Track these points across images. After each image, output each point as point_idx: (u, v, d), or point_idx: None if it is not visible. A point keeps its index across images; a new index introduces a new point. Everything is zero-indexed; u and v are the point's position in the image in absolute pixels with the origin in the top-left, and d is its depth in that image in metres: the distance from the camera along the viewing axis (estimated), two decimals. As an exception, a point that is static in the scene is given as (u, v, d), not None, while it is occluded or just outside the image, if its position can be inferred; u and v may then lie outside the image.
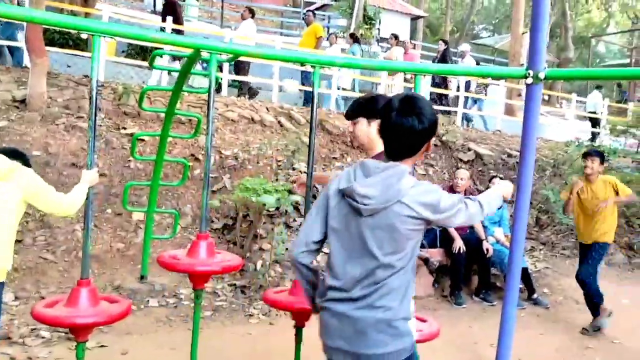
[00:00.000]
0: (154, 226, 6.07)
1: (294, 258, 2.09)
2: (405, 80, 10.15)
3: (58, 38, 8.80)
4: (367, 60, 6.29)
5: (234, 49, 3.32)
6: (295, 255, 2.08)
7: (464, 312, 5.69)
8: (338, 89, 10.29)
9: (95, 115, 2.73)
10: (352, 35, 11.51)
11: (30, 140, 6.16)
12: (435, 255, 5.93)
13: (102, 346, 4.12)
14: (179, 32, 8.92)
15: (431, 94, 11.05)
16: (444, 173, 8.69)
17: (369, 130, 2.69)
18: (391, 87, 10.20)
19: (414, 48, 12.87)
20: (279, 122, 8.19)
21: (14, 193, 2.89)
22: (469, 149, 9.17)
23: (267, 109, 8.47)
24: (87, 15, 9.28)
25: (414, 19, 22.05)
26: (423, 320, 3.28)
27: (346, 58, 5.00)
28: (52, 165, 6.08)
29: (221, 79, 8.95)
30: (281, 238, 5.83)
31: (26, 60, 7.34)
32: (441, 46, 11.62)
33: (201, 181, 6.86)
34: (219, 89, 9.24)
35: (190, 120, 7.39)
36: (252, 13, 9.90)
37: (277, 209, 6.26)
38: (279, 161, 7.30)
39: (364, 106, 2.74)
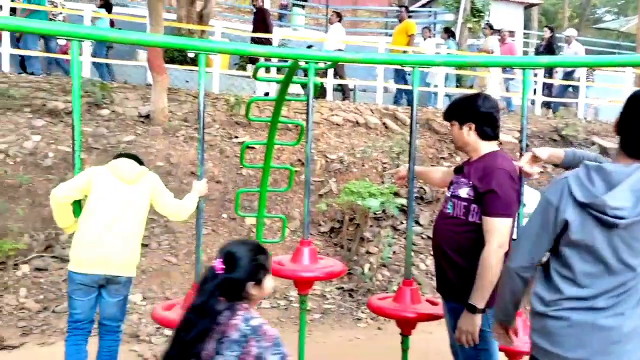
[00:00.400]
0: (265, 230, 6.33)
1: (515, 271, 1.98)
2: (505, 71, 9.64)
3: (177, 56, 9.46)
4: (468, 57, 6.04)
5: (331, 56, 3.36)
6: (516, 269, 1.97)
7: None
8: (435, 86, 10.01)
9: (203, 129, 2.90)
10: (447, 30, 11.05)
11: (155, 152, 6.69)
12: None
13: (218, 345, 4.35)
14: (267, 40, 9.16)
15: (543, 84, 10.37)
16: (563, 170, 8.10)
17: (460, 134, 2.62)
18: (485, 81, 9.66)
19: (512, 36, 12.07)
20: (383, 123, 8.16)
21: (143, 195, 3.17)
22: (593, 143, 8.48)
23: (371, 110, 8.46)
24: (202, 32, 9.89)
25: (528, 7, 20.81)
26: None
27: (444, 56, 4.85)
28: (173, 174, 6.54)
29: (325, 84, 9.09)
30: (388, 241, 5.79)
31: (149, 78, 7.96)
32: (546, 33, 10.80)
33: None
34: (323, 94, 9.40)
35: (297, 126, 7.59)
36: (339, 17, 9.97)
37: (384, 211, 6.23)
38: (385, 163, 7.26)
39: (456, 108, 2.67)
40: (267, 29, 9.34)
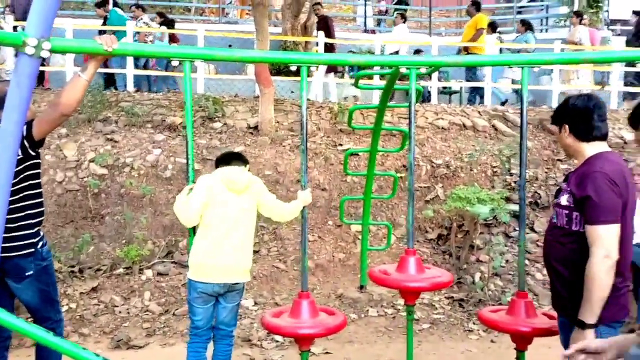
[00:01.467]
0: (370, 237, 6.31)
1: None
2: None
3: (283, 68, 9.78)
4: (585, 53, 5.58)
5: (431, 61, 3.27)
6: None
7: None
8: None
9: (307, 138, 2.95)
10: (524, 23, 10.23)
11: (263, 162, 6.94)
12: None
13: (327, 353, 4.40)
14: (331, 46, 8.99)
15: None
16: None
17: (560, 137, 2.53)
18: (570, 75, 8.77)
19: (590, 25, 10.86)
20: (492, 125, 7.81)
21: (253, 203, 3.31)
22: None
23: (479, 112, 8.14)
24: (306, 43, 10.13)
25: (654, -9, 18.95)
26: None
27: (556, 54, 4.53)
28: (281, 182, 6.74)
29: (429, 87, 8.90)
30: (499, 249, 5.52)
31: (257, 91, 8.27)
32: (633, 18, 9.67)
33: (415, 192, 6.89)
34: (429, 98, 9.21)
35: (401, 132, 7.50)
36: (403, 18, 9.74)
37: (495, 218, 5.96)
38: (494, 167, 6.94)
39: (555, 111, 2.58)
40: (330, 35, 9.29)
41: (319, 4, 9.92)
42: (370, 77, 8.58)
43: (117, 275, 5.51)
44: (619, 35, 13.56)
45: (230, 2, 15.10)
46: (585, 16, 10.05)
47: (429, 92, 9.32)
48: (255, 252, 5.99)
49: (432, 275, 3.00)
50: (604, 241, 2.23)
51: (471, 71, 9.28)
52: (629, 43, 9.44)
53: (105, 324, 4.83)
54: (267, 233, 6.29)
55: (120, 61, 8.75)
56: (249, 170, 3.41)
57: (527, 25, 10.15)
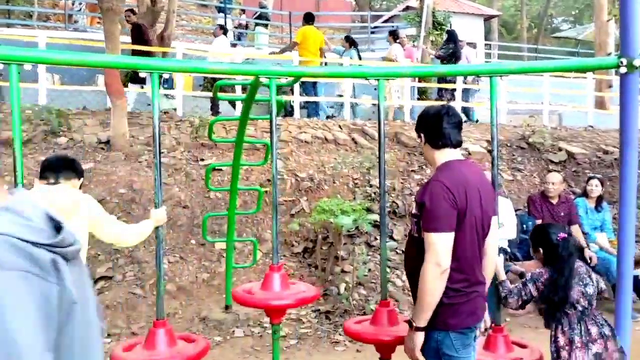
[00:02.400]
0: (236, 254, 6.11)
1: None
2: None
3: (137, 78, 9.23)
4: (435, 67, 5.99)
5: (293, 71, 3.22)
6: None
7: (569, 329, 5.18)
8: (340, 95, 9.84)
9: (159, 151, 2.72)
10: (348, 39, 10.61)
11: (116, 179, 6.42)
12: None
13: (190, 381, 4.10)
14: (144, 53, 8.31)
15: (439, 90, 10.28)
16: (534, 177, 8.13)
17: (422, 146, 2.60)
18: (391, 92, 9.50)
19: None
20: (352, 139, 8.06)
21: (82, 226, 2.86)
22: (560, 149, 8.54)
23: (339, 126, 8.36)
24: (163, 54, 9.69)
25: (487, 19, 21.27)
26: (523, 346, 2.97)
27: (412, 67, 4.77)
28: (137, 201, 6.28)
29: (292, 101, 8.96)
30: (362, 259, 5.64)
31: (109, 103, 7.70)
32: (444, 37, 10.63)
33: (279, 206, 6.83)
34: (291, 112, 9.28)
35: (264, 145, 7.42)
36: (222, 30, 9.80)
37: (357, 228, 6.09)
38: (355, 179, 7.14)
39: (417, 121, 2.63)
40: (146, 44, 8.70)
41: (130, 10, 9.39)
42: (232, 88, 8.40)
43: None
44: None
45: (80, 10, 14.03)
46: (402, 36, 10.73)
47: (291, 106, 9.39)
48: (108, 277, 5.52)
49: (297, 291, 2.90)
50: (435, 249, 2.27)
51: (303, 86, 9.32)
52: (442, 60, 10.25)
53: None
54: (122, 257, 5.80)
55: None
56: (82, 185, 3.02)
57: (351, 42, 10.48)
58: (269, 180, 6.95)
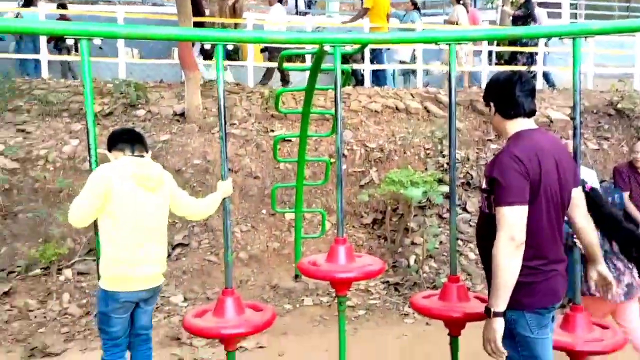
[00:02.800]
0: (305, 224, 6.17)
1: None
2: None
3: (212, 51, 9.39)
4: (509, 29, 5.59)
5: (357, 38, 3.11)
6: None
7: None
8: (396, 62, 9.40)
9: (225, 123, 2.74)
10: (412, 1, 10.08)
11: (191, 150, 6.61)
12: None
13: (260, 347, 4.23)
14: (200, 24, 8.12)
15: (512, 54, 9.55)
16: (622, 146, 7.57)
17: (491, 117, 2.40)
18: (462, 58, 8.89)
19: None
20: (425, 107, 7.81)
21: (166, 200, 2.97)
22: (652, 116, 7.88)
23: (412, 95, 8.12)
24: (235, 25, 9.76)
25: (574, -25, 19.72)
26: (604, 327, 2.79)
27: (483, 30, 4.50)
28: (210, 172, 6.46)
29: (362, 70, 8.80)
30: (433, 231, 5.52)
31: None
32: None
33: (349, 177, 6.79)
34: (362, 81, 9.11)
35: (332, 116, 7.36)
36: None
37: (429, 200, 5.95)
38: (427, 149, 6.95)
39: (484, 90, 2.45)
40: (199, 13, 8.42)
41: None
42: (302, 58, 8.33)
43: (33, 277, 5.10)
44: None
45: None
46: None
47: (362, 74, 9.22)
48: (184, 245, 5.75)
49: (362, 264, 2.87)
50: (508, 223, 2.12)
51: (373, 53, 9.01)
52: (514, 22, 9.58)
53: (19, 330, 4.43)
54: (197, 225, 6.01)
55: (31, 45, 8.11)
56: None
57: (414, 4, 9.99)
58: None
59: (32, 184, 5.82)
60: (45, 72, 7.93)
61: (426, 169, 6.67)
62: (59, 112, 6.72)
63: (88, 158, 2.62)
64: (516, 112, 2.30)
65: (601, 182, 5.52)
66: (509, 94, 2.29)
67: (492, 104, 2.37)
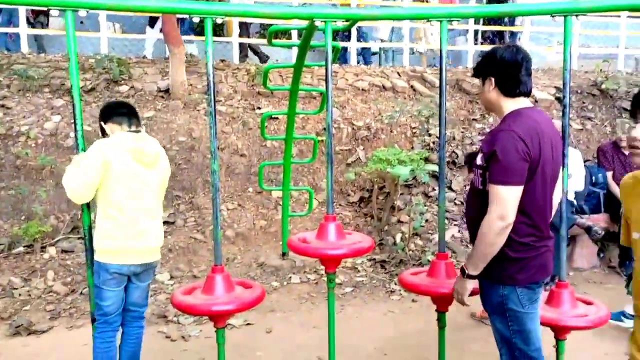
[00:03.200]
0: (292, 202, 6.16)
1: None
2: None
3: (196, 27, 9.23)
4: (501, 6, 5.56)
5: (349, 13, 3.07)
6: None
7: (637, 286, 4.96)
8: (374, 40, 9.39)
9: (214, 99, 2.69)
10: None
11: (176, 127, 6.53)
12: (599, 221, 5.23)
13: (248, 324, 4.24)
14: None
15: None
16: (605, 126, 7.65)
17: (483, 91, 2.37)
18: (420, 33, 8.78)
19: None
20: (411, 86, 7.80)
21: (163, 177, 2.97)
22: (636, 96, 7.95)
23: (398, 74, 8.10)
24: None
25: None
26: (588, 303, 2.84)
27: (476, 7, 4.46)
28: (196, 149, 6.40)
29: (348, 47, 8.73)
30: (419, 209, 5.55)
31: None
32: None
33: (335, 155, 6.78)
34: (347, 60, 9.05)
35: (321, 94, 7.31)
36: None
37: (415, 178, 5.97)
38: (414, 128, 6.95)
39: (479, 63, 2.42)
40: None
41: None
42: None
43: (16, 255, 5.04)
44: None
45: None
46: None
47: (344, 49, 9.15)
48: (170, 223, 5.71)
49: (352, 242, 2.86)
50: (501, 202, 2.14)
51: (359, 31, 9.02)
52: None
53: (3, 308, 4.38)
54: (183, 202, 5.98)
55: (7, 18, 7.88)
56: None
57: None
58: (324, 129, 6.88)
59: (14, 160, 5.71)
60: (25, 47, 7.72)
61: (413, 147, 6.68)
62: (40, 87, 6.57)
63: (74, 134, 2.56)
64: (520, 91, 2.30)
65: (585, 161, 5.60)
66: (514, 73, 2.27)
67: (492, 79, 2.31)
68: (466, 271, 2.31)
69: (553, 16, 2.72)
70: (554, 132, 2.36)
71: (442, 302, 2.87)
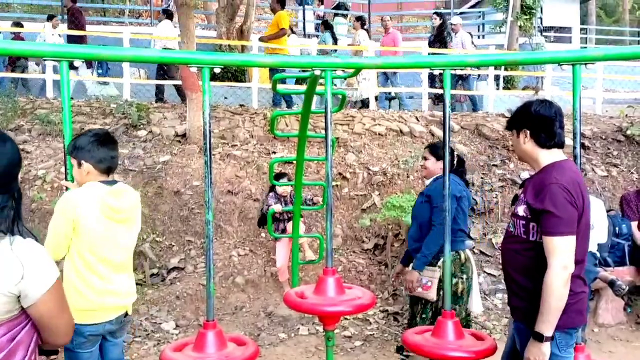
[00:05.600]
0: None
1: None
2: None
3: (218, 72, 9.41)
4: (505, 54, 5.52)
5: (349, 62, 3.03)
6: None
7: (668, 345, 4.64)
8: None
9: (210, 147, 2.64)
10: (324, 23, 10.20)
11: (191, 172, 6.55)
12: (624, 274, 4.95)
13: (251, 378, 4.06)
14: (81, 39, 8.53)
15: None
16: (631, 173, 7.39)
17: (518, 142, 2.47)
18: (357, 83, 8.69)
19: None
20: (429, 131, 7.71)
21: (135, 229, 2.74)
22: (663, 142, 7.71)
23: (416, 118, 8.04)
24: (243, 48, 9.79)
25: (584, 1, 19.74)
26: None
27: (479, 55, 4.42)
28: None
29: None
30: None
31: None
32: (436, 21, 9.74)
33: (350, 200, 6.67)
34: (367, 104, 9.06)
35: (337, 139, 7.28)
36: (166, 13, 9.57)
37: (431, 226, 5.80)
38: (431, 174, 6.81)
39: (513, 115, 2.52)
40: (79, 28, 8.84)
41: None
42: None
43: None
44: (553, 41, 13.97)
45: (168, 6, 14.56)
46: (386, 19, 10.10)
47: (367, 97, 9.18)
48: (180, 269, 5.63)
49: (351, 297, 2.73)
50: (561, 253, 2.23)
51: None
52: (431, 45, 9.52)
53: None
54: (194, 248, 5.91)
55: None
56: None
57: (325, 25, 10.10)
58: (339, 174, 6.81)
59: (29, 204, 5.76)
60: (50, 92, 7.95)
61: (429, 194, 6.53)
62: (60, 132, 6.69)
63: (64, 181, 2.54)
64: (555, 143, 2.42)
65: (608, 210, 5.36)
66: (552, 126, 2.40)
67: (527, 132, 2.41)
68: (543, 334, 2.24)
69: (560, 65, 2.63)
70: (584, 182, 2.44)
71: (447, 365, 2.69)
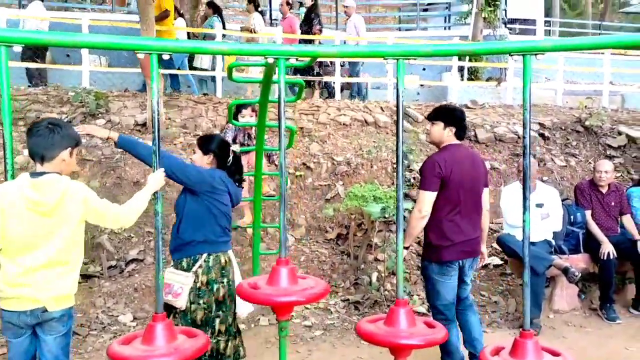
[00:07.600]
0: (268, 240, 6.01)
1: None
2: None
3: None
4: (461, 45, 5.55)
5: (302, 51, 3.00)
6: None
7: (618, 330, 4.78)
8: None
9: (159, 137, 2.58)
10: (211, 4, 9.40)
11: (152, 162, 6.41)
12: (579, 262, 5.08)
13: (209, 370, 4.02)
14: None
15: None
16: (589, 163, 7.57)
17: (438, 131, 3.63)
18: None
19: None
20: (394, 121, 7.73)
21: (66, 221, 2.57)
22: (619, 133, 7.91)
23: (381, 108, 8.06)
24: (204, 36, 9.63)
25: (549, -7, 20.07)
26: (556, 354, 2.67)
27: (434, 46, 4.44)
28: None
29: (333, 82, 8.72)
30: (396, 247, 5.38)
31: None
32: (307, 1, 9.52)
33: (314, 190, 6.66)
34: (333, 94, 9.04)
35: (302, 129, 7.25)
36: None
37: (394, 214, 5.84)
38: (394, 164, 6.84)
39: (439, 112, 3.70)
40: None
41: None
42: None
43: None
44: (518, 33, 14.16)
45: (132, -9, 14.22)
46: (290, 2, 9.62)
47: (333, 87, 9.15)
48: (139, 260, 5.54)
49: (305, 287, 2.72)
50: (418, 201, 3.53)
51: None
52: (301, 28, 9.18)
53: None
54: (154, 239, 5.80)
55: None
56: (73, 153, 2.64)
57: (213, 7, 9.38)
58: (303, 164, 6.79)
59: (-19, 195, 5.56)
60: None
61: (393, 183, 6.57)
62: (15, 120, 6.47)
63: (4, 169, 2.45)
64: (465, 135, 3.72)
65: (564, 199, 5.48)
66: (464, 124, 3.66)
67: (450, 127, 3.57)
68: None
69: (511, 55, 2.64)
70: (474, 161, 3.66)
71: (400, 353, 2.70)
